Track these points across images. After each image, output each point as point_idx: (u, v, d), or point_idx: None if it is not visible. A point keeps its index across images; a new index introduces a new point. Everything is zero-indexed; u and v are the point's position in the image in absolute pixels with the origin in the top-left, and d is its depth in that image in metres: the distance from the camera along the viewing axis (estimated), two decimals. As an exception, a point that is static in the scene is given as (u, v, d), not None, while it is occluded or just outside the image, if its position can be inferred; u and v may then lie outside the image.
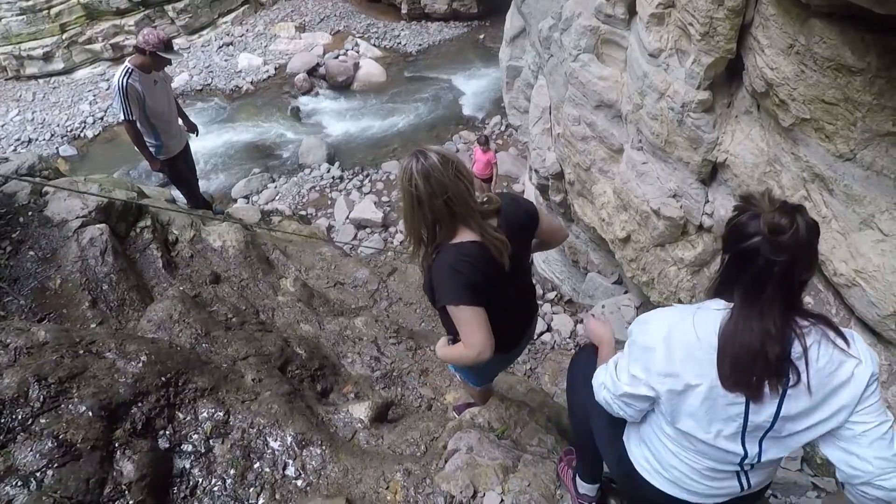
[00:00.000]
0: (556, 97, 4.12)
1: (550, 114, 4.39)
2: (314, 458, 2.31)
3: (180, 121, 4.48)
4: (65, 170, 10.94)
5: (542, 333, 3.96)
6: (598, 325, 1.75)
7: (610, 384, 1.38)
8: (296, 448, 2.32)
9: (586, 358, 1.80)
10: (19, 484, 1.78)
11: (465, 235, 1.67)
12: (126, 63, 3.89)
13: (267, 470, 2.25)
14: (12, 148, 11.33)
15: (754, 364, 1.13)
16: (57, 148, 11.37)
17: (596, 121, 3.66)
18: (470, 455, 2.22)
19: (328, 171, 10.58)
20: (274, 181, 10.52)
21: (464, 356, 1.73)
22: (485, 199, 1.75)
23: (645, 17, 3.04)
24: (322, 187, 10.19)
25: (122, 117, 3.96)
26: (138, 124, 3.98)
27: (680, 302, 3.35)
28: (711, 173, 3.06)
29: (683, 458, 1.32)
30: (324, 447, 2.34)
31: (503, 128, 11.24)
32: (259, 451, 2.30)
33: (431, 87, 13.12)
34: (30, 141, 11.54)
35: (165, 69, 4.21)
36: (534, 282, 4.94)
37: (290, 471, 2.26)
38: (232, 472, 2.21)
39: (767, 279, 1.11)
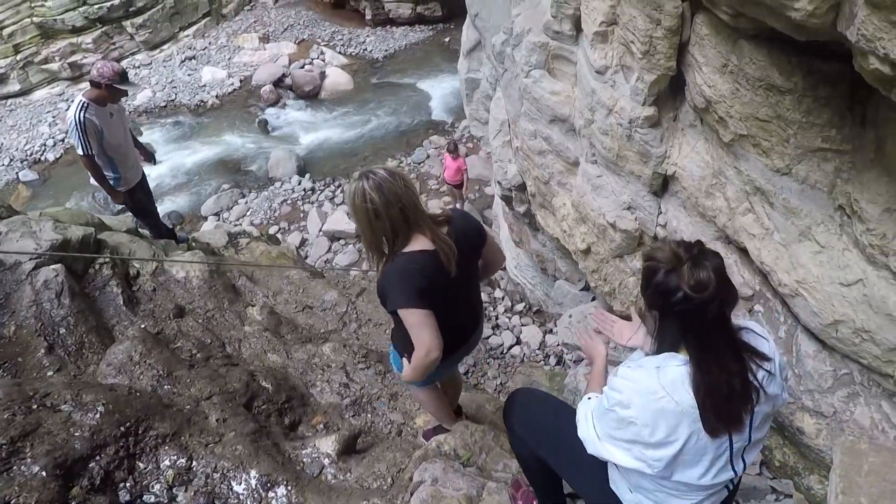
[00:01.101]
0: (512, 111, 4.16)
1: (509, 127, 4.43)
2: (279, 500, 2.31)
3: (137, 152, 4.40)
4: (26, 197, 10.67)
5: (511, 346, 4.00)
6: (592, 344, 1.73)
7: (589, 436, 1.39)
8: (261, 491, 2.31)
9: (535, 410, 1.79)
10: (-31, 558, 1.74)
11: (418, 243, 1.79)
12: (80, 97, 3.81)
13: (232, 515, 2.24)
14: (-31, 176, 10.99)
15: (731, 403, 1.23)
16: (17, 173, 11.06)
17: (551, 135, 3.71)
18: (435, 486, 2.24)
19: (299, 184, 10.50)
20: (244, 196, 10.40)
21: (416, 358, 1.83)
22: (436, 213, 1.91)
23: (590, 35, 3.09)
24: (294, 200, 10.11)
25: (80, 152, 3.89)
26: (96, 158, 3.92)
27: (641, 311, 3.41)
28: (663, 185, 3.13)
29: (685, 499, 1.37)
30: (289, 487, 2.34)
31: (471, 131, 11.29)
32: (223, 497, 2.29)
33: (399, 92, 13.11)
34: (-12, 168, 11.19)
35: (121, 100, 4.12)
36: (503, 292, 5.03)
37: (256, 514, 2.26)
38: (196, 520, 2.19)
39: (707, 325, 1.22)
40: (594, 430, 1.38)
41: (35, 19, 12.82)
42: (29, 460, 2.07)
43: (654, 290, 1.24)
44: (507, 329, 4.12)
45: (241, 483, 2.32)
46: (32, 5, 12.73)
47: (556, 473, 1.78)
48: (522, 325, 4.19)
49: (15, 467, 2.04)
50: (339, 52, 14.18)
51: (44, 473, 2.05)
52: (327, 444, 2.63)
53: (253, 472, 2.35)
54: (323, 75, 13.18)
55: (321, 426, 3.01)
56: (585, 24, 3.16)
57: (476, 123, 5.65)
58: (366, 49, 14.43)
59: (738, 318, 1.33)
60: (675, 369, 1.26)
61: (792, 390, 2.50)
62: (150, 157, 4.49)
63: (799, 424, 2.47)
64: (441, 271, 1.79)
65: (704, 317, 1.20)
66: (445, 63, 13.62)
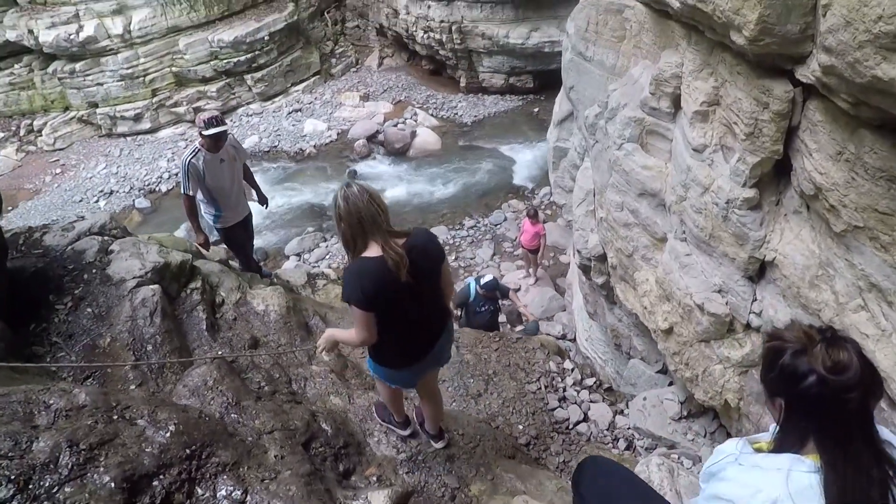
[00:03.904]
0: (599, 182, 4.13)
1: (594, 197, 4.39)
2: (325, 551, 2.23)
3: (253, 193, 4.75)
4: (137, 222, 11.83)
5: (578, 422, 3.76)
6: None
7: None
8: (307, 538, 2.26)
9: (612, 483, 1.66)
10: (34, 557, 1.80)
11: (373, 251, 2.11)
12: (195, 143, 4.21)
13: (276, 559, 2.19)
14: (96, 199, 12.41)
15: None
16: (133, 200, 12.36)
17: (639, 208, 3.62)
18: (486, 565, 2.09)
19: (377, 234, 10.89)
20: (326, 240, 10.93)
21: (349, 339, 2.34)
22: (398, 229, 2.20)
23: (689, 113, 3.05)
24: (370, 249, 10.46)
25: (182, 191, 4.26)
26: (201, 195, 4.28)
27: (727, 404, 3.11)
28: (760, 270, 2.92)
29: None
30: (336, 539, 2.27)
31: (552, 198, 11.33)
32: (271, 538, 2.25)
33: (484, 156, 13.53)
34: (111, 193, 12.61)
35: (235, 149, 4.41)
36: (573, 364, 4.79)
37: (299, 563, 2.19)
38: (241, 558, 2.16)
39: (847, 419, 1.04)
40: None
41: (174, 69, 14.69)
42: (101, 469, 2.15)
43: (779, 374, 1.10)
44: (575, 403, 3.89)
45: (289, 526, 2.27)
46: (174, 57, 14.65)
47: None
48: (591, 402, 3.94)
49: (89, 475, 2.12)
50: (431, 115, 14.97)
51: (112, 485, 2.11)
52: (379, 500, 2.55)
53: (302, 517, 2.30)
54: (413, 134, 13.91)
55: (374, 478, 2.94)
56: (685, 103, 3.13)
57: (560, 191, 5.66)
58: (456, 113, 15.13)
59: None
60: (805, 476, 1.05)
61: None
62: (264, 200, 4.82)
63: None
64: (390, 277, 2.08)
65: (843, 408, 1.02)
66: (532, 132, 13.95)
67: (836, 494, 1.02)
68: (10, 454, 2.05)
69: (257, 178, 5.01)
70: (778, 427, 1.15)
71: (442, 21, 14.47)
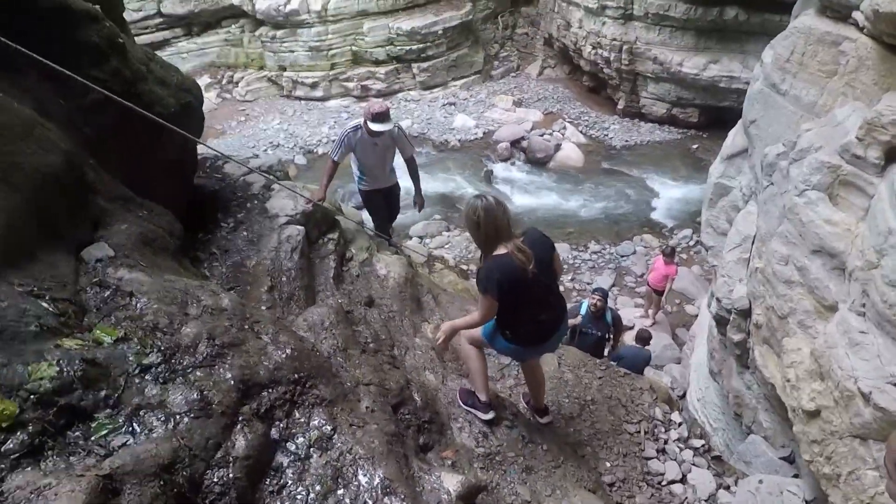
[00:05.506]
0: (764, 228, 3.69)
1: (753, 244, 3.93)
2: (392, 512, 2.24)
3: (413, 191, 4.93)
4: (292, 175, 13.08)
5: (673, 482, 3.39)
6: None
7: None
8: (379, 492, 2.28)
9: None
10: (162, 419, 2.03)
11: (501, 250, 2.64)
12: (360, 120, 4.46)
13: (347, 502, 2.25)
14: (264, 149, 13.95)
15: None
16: (294, 156, 13.70)
17: (809, 266, 3.16)
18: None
19: (499, 236, 10.89)
20: (449, 230, 11.18)
21: (470, 322, 2.89)
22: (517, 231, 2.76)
23: (906, 169, 2.59)
24: (490, 249, 10.49)
25: (330, 153, 4.59)
26: (353, 158, 4.59)
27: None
28: (959, 373, 2.39)
29: None
30: (405, 504, 2.27)
31: (692, 243, 10.46)
32: (347, 480, 2.31)
33: (626, 183, 12.90)
34: (277, 145, 14.11)
35: (393, 140, 4.49)
36: (682, 418, 4.35)
37: (367, 513, 2.23)
38: (318, 488, 2.24)
39: None
40: None
41: (353, 48, 16.03)
42: (227, 366, 2.37)
43: None
44: (675, 460, 3.51)
45: (366, 475, 2.32)
46: (356, 38, 15.98)
47: None
48: (694, 465, 3.53)
49: (217, 367, 2.35)
50: (580, 132, 14.62)
51: (231, 382, 2.31)
52: (451, 482, 2.51)
53: (379, 471, 2.34)
54: (558, 147, 13.71)
55: (449, 462, 2.91)
56: (903, 157, 2.66)
57: (710, 231, 5.18)
58: (607, 135, 14.62)
59: None
60: None
61: None
62: (419, 204, 4.98)
63: None
64: (519, 271, 2.60)
65: None
66: (685, 169, 13.03)
67: None
68: (164, 329, 2.33)
69: (399, 158, 5.04)
70: None
71: (614, 39, 14.03)
